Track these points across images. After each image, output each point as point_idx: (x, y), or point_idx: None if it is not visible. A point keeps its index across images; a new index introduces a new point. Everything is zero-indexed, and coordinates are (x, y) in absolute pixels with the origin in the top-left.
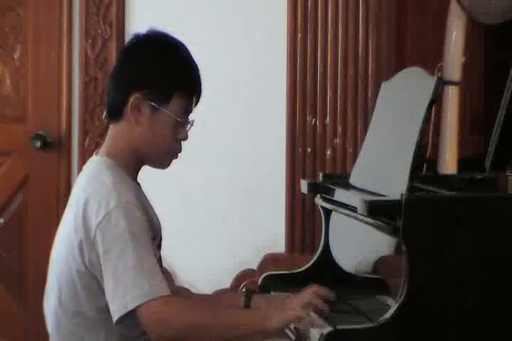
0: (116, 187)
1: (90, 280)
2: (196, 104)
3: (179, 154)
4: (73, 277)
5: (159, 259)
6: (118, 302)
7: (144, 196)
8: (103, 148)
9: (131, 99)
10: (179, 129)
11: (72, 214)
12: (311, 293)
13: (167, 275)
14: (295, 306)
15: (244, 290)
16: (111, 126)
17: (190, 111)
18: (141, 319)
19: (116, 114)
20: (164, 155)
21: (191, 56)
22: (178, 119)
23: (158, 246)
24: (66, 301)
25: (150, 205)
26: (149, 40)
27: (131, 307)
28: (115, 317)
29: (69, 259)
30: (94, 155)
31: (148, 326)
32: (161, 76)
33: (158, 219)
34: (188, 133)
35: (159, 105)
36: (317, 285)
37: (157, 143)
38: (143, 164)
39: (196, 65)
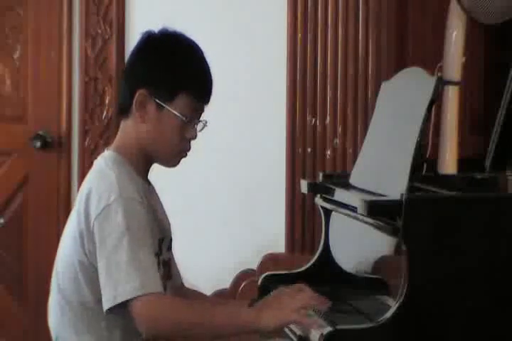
0: (119, 180)
1: (91, 270)
2: (206, 103)
3: (188, 153)
4: (75, 268)
5: (169, 261)
6: (108, 294)
7: (156, 196)
8: (113, 143)
9: (137, 95)
10: (187, 128)
11: (77, 207)
12: (308, 296)
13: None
14: (292, 307)
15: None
16: (121, 122)
17: (201, 111)
18: (132, 313)
19: (124, 110)
20: (171, 154)
21: (203, 57)
22: (183, 118)
23: (169, 248)
24: (68, 292)
25: (161, 205)
26: (161, 39)
27: (120, 300)
28: (105, 308)
29: (72, 251)
30: (106, 150)
31: (138, 321)
32: (165, 74)
33: (168, 221)
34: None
35: (164, 103)
36: (308, 288)
37: (162, 141)
38: (152, 162)
39: (207, 65)
